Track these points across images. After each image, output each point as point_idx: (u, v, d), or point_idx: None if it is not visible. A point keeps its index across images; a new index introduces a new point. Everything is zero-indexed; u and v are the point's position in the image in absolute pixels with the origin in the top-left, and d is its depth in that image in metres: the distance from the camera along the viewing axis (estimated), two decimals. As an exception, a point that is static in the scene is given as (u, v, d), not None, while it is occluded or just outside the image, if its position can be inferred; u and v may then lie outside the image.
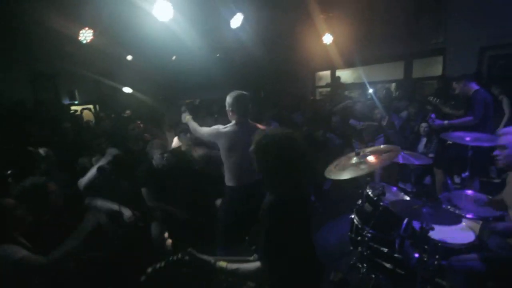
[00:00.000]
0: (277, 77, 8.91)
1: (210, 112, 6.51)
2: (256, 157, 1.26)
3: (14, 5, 4.42)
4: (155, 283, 1.16)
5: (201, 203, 2.99)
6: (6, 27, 5.37)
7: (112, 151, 2.60)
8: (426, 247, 2.06)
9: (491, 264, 1.77)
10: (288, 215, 1.20)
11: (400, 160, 2.52)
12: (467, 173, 2.83)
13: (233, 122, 2.34)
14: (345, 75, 8.22)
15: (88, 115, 7.25)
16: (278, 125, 4.40)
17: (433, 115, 3.62)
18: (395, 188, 2.69)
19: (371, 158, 2.03)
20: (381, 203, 2.31)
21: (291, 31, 7.10)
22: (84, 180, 2.56)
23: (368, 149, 2.38)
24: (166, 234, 2.66)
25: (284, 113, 5.83)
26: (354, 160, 2.08)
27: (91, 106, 8.14)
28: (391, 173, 3.91)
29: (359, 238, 2.44)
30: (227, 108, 2.35)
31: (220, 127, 2.38)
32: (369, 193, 2.41)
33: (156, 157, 2.87)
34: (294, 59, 8.50)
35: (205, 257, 1.26)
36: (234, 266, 1.24)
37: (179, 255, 1.23)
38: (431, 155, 3.70)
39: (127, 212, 2.60)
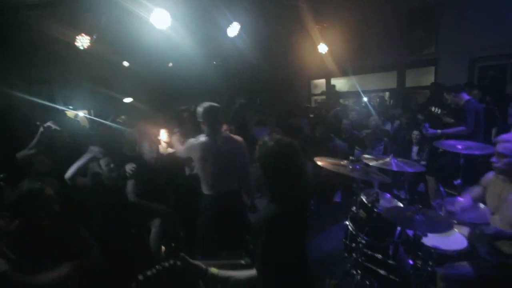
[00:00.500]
0: (273, 85, 9.01)
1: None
2: (261, 165, 1.25)
3: (11, 11, 4.43)
4: None
5: (187, 203, 2.96)
6: (2, 32, 5.36)
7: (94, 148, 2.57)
8: (419, 253, 2.07)
9: (483, 270, 1.78)
10: (287, 226, 1.19)
11: (394, 168, 2.55)
12: (459, 181, 2.87)
13: (205, 133, 2.40)
14: (340, 83, 8.36)
15: (82, 121, 7.20)
16: (266, 131, 4.42)
17: (426, 124, 3.68)
18: (389, 195, 2.71)
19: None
20: (375, 210, 2.32)
21: (287, 41, 7.23)
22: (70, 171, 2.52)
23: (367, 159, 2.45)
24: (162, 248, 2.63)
25: (282, 120, 5.87)
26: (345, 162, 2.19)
27: (85, 112, 8.10)
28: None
29: (353, 244, 2.44)
30: (198, 119, 2.42)
31: (191, 140, 2.45)
32: (364, 199, 2.43)
33: (147, 152, 2.85)
34: (290, 68, 8.62)
35: (197, 262, 1.25)
36: (226, 274, 1.23)
37: (171, 261, 1.21)
38: (423, 163, 3.75)
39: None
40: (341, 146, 4.22)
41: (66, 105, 7.75)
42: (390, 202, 2.65)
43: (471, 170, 2.81)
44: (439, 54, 5.97)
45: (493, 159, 1.83)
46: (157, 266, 1.19)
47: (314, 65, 7.59)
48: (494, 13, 5.01)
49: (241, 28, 4.51)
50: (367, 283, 2.36)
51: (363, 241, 2.33)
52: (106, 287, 2.21)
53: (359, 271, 2.36)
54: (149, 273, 1.15)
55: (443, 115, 3.93)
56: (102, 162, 2.89)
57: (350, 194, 3.53)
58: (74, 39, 3.96)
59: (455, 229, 2.19)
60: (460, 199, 2.65)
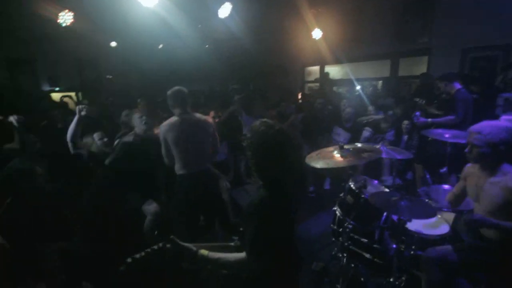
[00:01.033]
0: (266, 71, 8.88)
1: (197, 103, 6.38)
2: (252, 150, 1.24)
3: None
4: (137, 272, 1.13)
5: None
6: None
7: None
8: (403, 238, 2.14)
9: (464, 253, 1.85)
10: (278, 210, 1.20)
11: (384, 155, 2.58)
12: (445, 169, 2.94)
13: (175, 114, 2.51)
14: (334, 71, 8.30)
15: (70, 104, 6.98)
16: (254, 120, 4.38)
17: (417, 113, 3.70)
18: (376, 182, 2.76)
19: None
20: (362, 196, 2.37)
21: (281, 25, 7.08)
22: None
23: (351, 146, 2.45)
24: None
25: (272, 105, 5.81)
26: (335, 152, 2.13)
27: (72, 94, 7.83)
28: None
29: (340, 229, 2.50)
30: (168, 102, 2.52)
31: (163, 124, 2.52)
32: (351, 185, 2.47)
33: (137, 123, 2.81)
34: (284, 53, 8.48)
35: (187, 244, 1.25)
36: (215, 255, 1.25)
37: (160, 244, 1.21)
38: (412, 151, 3.81)
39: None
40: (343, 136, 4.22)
41: (52, 86, 7.47)
42: (377, 188, 2.69)
43: (457, 159, 2.87)
44: (432, 44, 5.97)
45: (466, 149, 1.86)
46: (146, 249, 1.18)
47: (308, 51, 7.49)
48: (488, 4, 5.00)
49: (233, 9, 4.36)
50: (352, 265, 2.43)
51: (350, 226, 2.38)
52: (98, 272, 2.20)
53: (345, 255, 2.42)
54: (137, 256, 1.15)
55: (426, 106, 3.98)
56: (96, 136, 2.84)
57: (339, 182, 3.57)
58: (56, 16, 3.75)
59: (438, 215, 2.25)
60: (445, 187, 2.73)
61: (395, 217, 2.31)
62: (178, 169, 2.52)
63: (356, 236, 2.41)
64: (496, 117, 3.67)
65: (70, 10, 3.74)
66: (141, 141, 2.76)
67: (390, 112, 5.06)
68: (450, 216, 2.35)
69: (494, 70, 5.06)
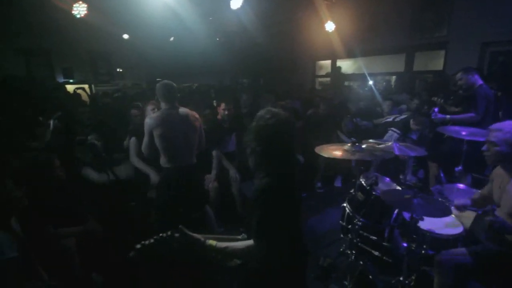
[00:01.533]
0: (277, 65, 8.79)
1: (206, 97, 6.39)
2: (256, 137, 1.25)
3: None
4: (145, 258, 1.16)
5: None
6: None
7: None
8: (414, 236, 2.09)
9: (479, 257, 1.79)
10: (282, 197, 1.21)
11: (396, 152, 2.53)
12: (460, 167, 2.85)
13: (162, 108, 2.49)
14: (346, 65, 8.13)
15: (83, 95, 7.11)
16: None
17: (436, 109, 3.56)
18: (388, 179, 2.70)
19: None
20: (373, 193, 2.32)
21: (293, 17, 6.95)
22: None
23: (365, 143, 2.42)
24: None
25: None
26: (347, 147, 2.15)
27: (86, 86, 7.98)
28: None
29: (349, 226, 2.47)
30: (157, 95, 2.51)
31: (149, 116, 2.51)
32: (362, 182, 2.42)
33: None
34: (295, 47, 8.36)
35: (195, 235, 1.26)
36: (223, 244, 1.26)
37: (169, 232, 1.23)
38: (424, 148, 3.71)
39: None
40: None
41: (66, 77, 7.62)
42: (389, 186, 2.64)
43: (473, 157, 2.77)
44: (450, 37, 5.74)
45: (484, 147, 1.79)
46: (155, 236, 1.20)
47: (320, 45, 7.34)
48: (510, -4, 4.76)
49: (246, 2, 4.30)
50: (361, 263, 2.41)
51: (359, 223, 2.35)
52: (108, 257, 2.26)
53: (353, 252, 2.40)
54: (146, 242, 1.17)
55: (446, 105, 3.81)
56: (90, 138, 2.90)
57: (350, 179, 3.53)
58: (71, 7, 3.80)
59: (452, 215, 2.18)
60: (460, 186, 2.66)
61: (406, 216, 2.26)
62: (164, 162, 2.51)
63: (365, 233, 2.38)
64: (515, 115, 3.53)
65: (83, 1, 3.77)
66: None
67: (404, 106, 4.93)
68: (464, 216, 2.28)
69: (515, 65, 4.85)
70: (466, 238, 2.09)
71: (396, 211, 2.35)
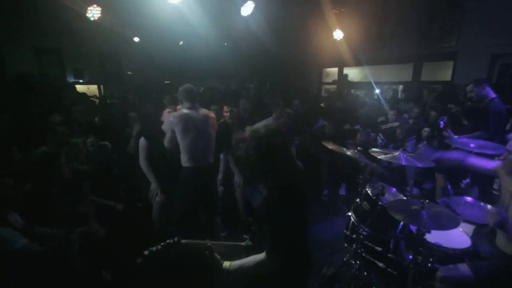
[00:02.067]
0: (283, 71, 8.82)
1: (212, 100, 6.42)
2: (251, 150, 1.27)
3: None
4: (152, 264, 1.16)
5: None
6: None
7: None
8: (421, 249, 2.06)
9: (482, 273, 1.76)
10: (289, 211, 1.21)
11: (403, 162, 2.50)
12: (468, 180, 2.81)
13: (185, 108, 2.59)
14: (353, 73, 8.14)
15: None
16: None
17: (445, 118, 3.51)
18: (394, 189, 2.68)
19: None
20: (379, 203, 2.31)
21: (301, 24, 6.98)
22: None
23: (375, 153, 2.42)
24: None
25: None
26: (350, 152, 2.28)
27: (95, 87, 8.10)
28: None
29: (354, 235, 2.45)
30: (179, 98, 2.63)
31: (170, 117, 2.59)
32: (368, 192, 2.41)
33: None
34: (302, 54, 8.39)
35: (217, 256, 1.26)
36: (237, 265, 1.24)
37: (176, 238, 1.24)
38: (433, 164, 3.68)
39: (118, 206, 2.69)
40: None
41: (76, 77, 7.74)
42: (395, 196, 2.62)
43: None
44: (459, 48, 5.72)
45: (502, 156, 1.80)
46: (162, 243, 1.21)
47: (328, 52, 7.37)
48: (522, 7, 4.74)
49: (255, 8, 4.35)
50: (365, 273, 2.38)
51: (364, 233, 2.33)
52: (112, 259, 2.27)
53: (357, 262, 2.38)
54: (154, 248, 1.18)
55: (462, 115, 3.71)
56: (89, 142, 2.94)
57: (355, 188, 3.51)
58: (85, 10, 3.88)
59: (460, 228, 2.15)
60: (468, 199, 2.62)
61: (413, 227, 2.23)
62: (185, 161, 2.56)
63: (370, 244, 2.35)
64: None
65: (98, 5, 3.86)
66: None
67: (406, 116, 4.90)
68: (471, 229, 2.25)
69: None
70: (472, 252, 2.06)
71: (402, 222, 2.32)
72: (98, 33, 6.27)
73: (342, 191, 4.34)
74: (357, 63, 7.17)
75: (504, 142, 2.96)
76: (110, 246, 2.34)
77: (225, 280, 1.28)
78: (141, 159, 2.79)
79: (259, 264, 1.22)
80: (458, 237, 2.18)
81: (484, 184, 3.16)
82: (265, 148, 1.24)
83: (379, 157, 2.45)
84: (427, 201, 1.88)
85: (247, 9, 4.33)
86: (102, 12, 3.93)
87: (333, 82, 8.66)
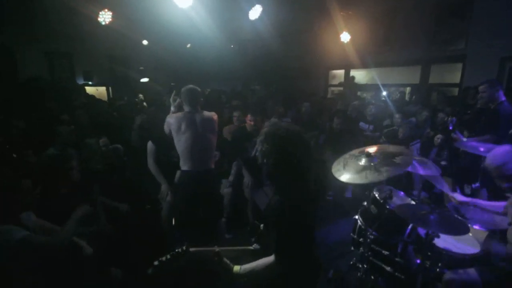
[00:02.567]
0: (290, 73, 8.83)
1: (218, 102, 6.48)
2: (263, 151, 1.21)
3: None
4: (163, 273, 1.18)
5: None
6: (25, 3, 5.43)
7: None
8: (429, 254, 2.05)
9: (489, 277, 1.74)
10: (297, 213, 1.19)
11: (408, 168, 2.48)
12: (477, 184, 2.78)
13: (185, 111, 2.57)
14: (359, 75, 8.11)
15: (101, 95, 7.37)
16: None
17: (454, 119, 3.46)
18: (402, 193, 2.66)
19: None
20: (387, 207, 2.30)
21: (308, 27, 7.01)
22: None
23: (378, 151, 2.37)
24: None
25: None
26: (363, 162, 2.00)
27: (103, 88, 8.25)
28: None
29: (361, 239, 2.44)
30: (182, 99, 2.58)
31: (170, 116, 2.58)
32: (376, 195, 2.40)
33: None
34: (309, 56, 8.40)
35: (225, 261, 1.28)
36: (247, 269, 1.26)
37: (184, 247, 1.25)
38: (443, 162, 3.64)
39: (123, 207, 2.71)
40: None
41: (86, 80, 7.91)
42: (403, 200, 2.60)
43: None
44: (468, 50, 5.65)
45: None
46: (171, 252, 1.24)
47: (334, 54, 7.36)
48: (533, 9, 4.66)
49: (263, 11, 4.38)
50: (372, 277, 2.37)
51: (371, 236, 2.32)
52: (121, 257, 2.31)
53: (364, 265, 2.36)
54: (163, 258, 1.20)
55: (459, 126, 3.63)
56: (101, 142, 2.99)
57: (361, 191, 3.49)
58: (97, 14, 3.97)
59: (470, 233, 2.13)
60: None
61: (421, 232, 2.21)
62: (182, 164, 2.55)
63: (377, 248, 2.34)
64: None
65: (109, 9, 3.94)
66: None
67: (413, 119, 4.85)
68: (481, 234, 2.22)
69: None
70: (482, 257, 2.03)
71: (410, 227, 2.31)
72: (108, 37, 6.39)
73: (348, 194, 4.33)
74: (364, 65, 7.14)
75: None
76: (119, 246, 2.37)
77: (236, 284, 1.30)
78: (150, 162, 2.82)
79: (268, 267, 1.23)
80: (468, 242, 2.15)
81: (493, 188, 3.11)
82: (283, 150, 1.17)
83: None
84: (435, 205, 1.87)
85: (255, 13, 4.37)
86: (113, 17, 4.02)
87: (340, 84, 8.64)
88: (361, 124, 5.01)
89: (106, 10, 3.94)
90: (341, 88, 8.53)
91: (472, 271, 1.81)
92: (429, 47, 6.19)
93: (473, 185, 2.80)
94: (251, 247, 1.46)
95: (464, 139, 3.30)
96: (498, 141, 2.94)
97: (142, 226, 2.62)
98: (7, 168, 1.84)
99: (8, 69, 6.31)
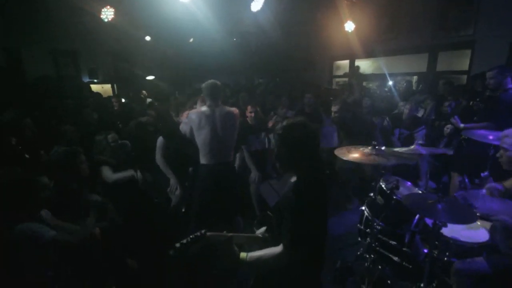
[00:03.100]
0: (293, 65, 8.75)
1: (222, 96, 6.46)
2: (285, 142, 1.28)
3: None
4: (184, 256, 1.20)
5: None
6: (29, 3, 5.46)
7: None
8: (437, 243, 2.05)
9: (499, 266, 1.74)
10: (313, 203, 1.23)
11: (422, 151, 2.48)
12: (486, 173, 2.74)
13: (206, 105, 2.62)
14: (364, 65, 7.98)
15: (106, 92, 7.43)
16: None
17: (453, 103, 3.40)
18: (409, 183, 2.65)
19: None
20: (394, 197, 2.29)
21: (312, 17, 6.89)
22: (114, 177, 2.75)
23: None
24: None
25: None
26: (368, 150, 2.13)
27: (108, 86, 8.31)
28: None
29: (367, 230, 2.45)
30: (203, 93, 2.65)
31: (191, 112, 2.63)
32: (383, 186, 2.40)
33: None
34: (312, 47, 8.28)
35: (234, 248, 1.28)
36: (254, 257, 1.26)
37: (203, 231, 1.27)
38: (451, 153, 3.59)
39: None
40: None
41: (91, 77, 7.97)
42: (410, 190, 2.59)
43: (500, 162, 2.66)
44: (477, 36, 5.50)
45: (498, 154, 1.83)
46: (190, 236, 1.25)
47: (338, 45, 7.25)
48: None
49: (265, 3, 4.32)
50: (379, 267, 2.38)
51: (378, 227, 2.33)
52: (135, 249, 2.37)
53: (371, 256, 2.38)
54: (184, 241, 1.22)
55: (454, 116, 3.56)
56: (110, 138, 3.04)
57: (367, 181, 3.48)
58: (99, 11, 3.98)
59: (478, 222, 2.12)
60: (485, 191, 2.55)
61: (428, 221, 2.21)
62: (201, 158, 2.59)
63: (384, 238, 2.35)
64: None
65: (111, 6, 3.95)
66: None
67: (421, 110, 4.76)
68: (489, 223, 2.20)
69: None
70: (490, 246, 2.02)
71: (417, 216, 2.30)
72: (111, 33, 6.41)
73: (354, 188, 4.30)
74: (369, 54, 7.02)
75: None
76: (132, 238, 2.43)
77: (242, 271, 1.31)
78: (158, 156, 2.86)
79: (276, 257, 1.24)
80: (476, 231, 2.14)
81: (503, 177, 3.07)
82: (292, 140, 1.26)
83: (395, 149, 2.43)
84: (442, 194, 1.86)
85: (257, 4, 4.32)
86: (115, 14, 4.02)
87: (344, 75, 8.52)
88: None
89: (108, 7, 3.94)
90: (346, 79, 8.42)
91: (480, 260, 1.81)
92: (436, 34, 6.03)
93: (482, 174, 2.76)
94: (260, 235, 1.48)
95: (462, 125, 3.25)
96: (497, 129, 2.87)
97: (152, 220, 2.67)
98: (21, 168, 1.90)
99: (15, 70, 6.40)
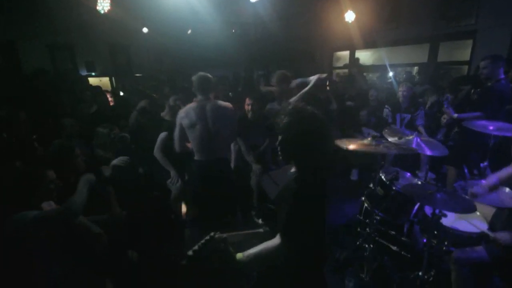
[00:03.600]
0: (292, 56, 8.65)
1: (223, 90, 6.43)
2: (287, 132, 1.20)
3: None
4: (196, 263, 1.14)
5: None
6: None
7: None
8: (436, 232, 2.07)
9: (497, 254, 1.76)
10: (313, 195, 1.20)
11: (414, 146, 2.47)
12: (486, 163, 2.76)
13: (197, 99, 2.53)
14: (364, 56, 7.90)
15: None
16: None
17: (448, 97, 3.39)
18: (409, 174, 2.66)
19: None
20: (394, 188, 2.31)
21: (311, 7, 6.78)
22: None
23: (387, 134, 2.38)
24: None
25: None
26: (368, 141, 2.14)
27: (106, 78, 8.24)
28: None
29: (367, 220, 2.47)
30: (193, 88, 2.54)
31: (181, 110, 2.53)
32: (382, 177, 2.41)
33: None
34: (312, 38, 8.18)
35: (230, 249, 1.22)
36: (250, 255, 1.21)
37: (212, 233, 1.19)
38: (450, 143, 3.59)
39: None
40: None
41: (88, 71, 7.90)
42: (410, 181, 2.60)
43: (500, 152, 2.67)
44: (479, 26, 5.43)
45: None
46: (201, 241, 1.18)
47: (338, 36, 7.16)
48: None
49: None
50: (378, 257, 2.41)
51: (378, 217, 2.35)
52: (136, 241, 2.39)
53: (370, 246, 2.41)
54: (196, 247, 1.15)
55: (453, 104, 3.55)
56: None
57: (367, 173, 3.49)
58: (95, 3, 3.91)
59: (477, 212, 2.14)
60: (484, 182, 2.57)
61: (428, 211, 2.23)
62: (195, 155, 2.55)
63: (383, 228, 2.38)
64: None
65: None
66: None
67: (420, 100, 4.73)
68: (489, 213, 2.22)
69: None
70: (488, 235, 2.04)
71: (416, 207, 2.32)
72: (108, 25, 6.32)
73: (354, 176, 4.33)
74: (370, 45, 6.94)
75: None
76: (133, 231, 2.44)
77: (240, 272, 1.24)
78: (156, 150, 2.85)
79: (273, 249, 1.21)
80: (475, 221, 2.16)
81: (502, 167, 3.08)
82: (298, 132, 1.17)
83: (390, 140, 2.41)
84: (441, 184, 1.87)
85: (255, -5, 4.24)
86: (112, 5, 3.95)
87: (344, 66, 8.45)
88: (364, 129, 4.88)
89: (104, -3, 3.88)
90: (346, 70, 8.35)
91: (480, 249, 1.83)
92: (437, 24, 5.95)
93: (481, 164, 2.77)
94: (260, 230, 1.45)
95: (455, 116, 3.24)
96: (489, 119, 2.85)
97: (152, 212, 2.68)
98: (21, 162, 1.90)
99: (12, 64, 6.34)
